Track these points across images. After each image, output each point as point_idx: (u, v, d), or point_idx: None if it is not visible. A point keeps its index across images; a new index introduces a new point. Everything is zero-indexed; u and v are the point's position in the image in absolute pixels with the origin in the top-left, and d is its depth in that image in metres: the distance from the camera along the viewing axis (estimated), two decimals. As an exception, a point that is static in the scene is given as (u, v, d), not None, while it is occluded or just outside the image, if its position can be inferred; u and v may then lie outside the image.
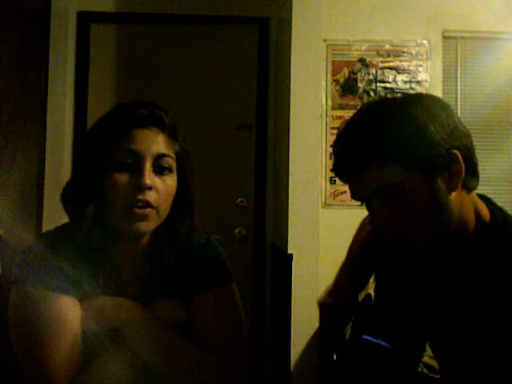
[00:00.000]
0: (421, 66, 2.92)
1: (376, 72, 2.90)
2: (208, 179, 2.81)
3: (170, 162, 1.01)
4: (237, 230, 2.92)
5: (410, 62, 2.92)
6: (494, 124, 2.93)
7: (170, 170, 1.01)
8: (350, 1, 2.92)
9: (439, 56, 2.94)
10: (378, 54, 2.91)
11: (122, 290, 1.02)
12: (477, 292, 0.93)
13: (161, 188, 0.99)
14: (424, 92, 2.86)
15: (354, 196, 0.95)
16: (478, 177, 0.93)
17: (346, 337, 1.13)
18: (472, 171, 0.91)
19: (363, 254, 1.20)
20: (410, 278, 1.04)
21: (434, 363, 1.17)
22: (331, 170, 0.98)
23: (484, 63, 2.95)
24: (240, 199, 2.94)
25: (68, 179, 1.06)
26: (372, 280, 1.19)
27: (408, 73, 2.92)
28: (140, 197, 0.96)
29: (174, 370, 1.00)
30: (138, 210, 0.96)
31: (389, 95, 0.97)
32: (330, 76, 2.89)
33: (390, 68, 2.91)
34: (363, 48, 2.91)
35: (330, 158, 2.68)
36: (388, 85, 2.90)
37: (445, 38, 2.94)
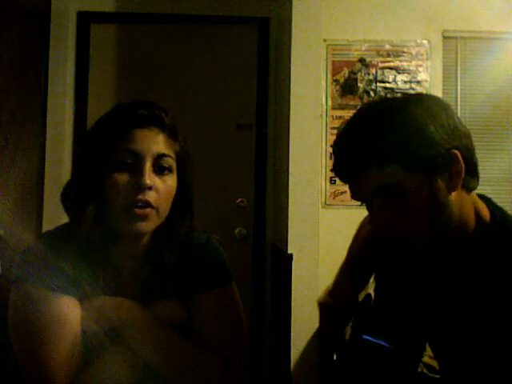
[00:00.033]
0: (421, 65, 2.92)
1: (376, 72, 2.90)
2: (208, 179, 2.81)
3: (170, 161, 1.01)
4: (237, 230, 2.92)
5: (410, 61, 2.92)
6: (494, 124, 2.93)
7: (170, 169, 1.01)
8: (350, 1, 2.92)
9: (439, 56, 2.94)
10: (378, 54, 2.91)
11: (122, 289, 1.02)
12: (477, 292, 0.93)
13: (161, 188, 0.99)
14: (424, 92, 2.86)
15: (353, 196, 0.95)
16: (478, 177, 0.93)
17: (346, 337, 1.13)
18: (472, 171, 0.91)
19: (363, 254, 1.20)
20: (409, 278, 1.04)
21: (434, 363, 1.17)
22: (331, 170, 0.98)
23: (484, 63, 2.95)
24: (240, 199, 2.94)
25: (68, 179, 1.06)
26: (372, 280, 1.19)
27: (408, 73, 2.92)
28: (140, 197, 0.96)
29: (174, 370, 1.00)
30: (138, 210, 0.96)
31: (389, 95, 0.97)
32: (330, 76, 2.89)
33: (390, 68, 2.91)
34: (363, 48, 2.91)
35: (330, 158, 2.68)
36: (388, 85, 2.90)
37: (445, 38, 2.94)
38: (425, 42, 2.93)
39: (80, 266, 0.97)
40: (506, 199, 2.86)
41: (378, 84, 2.90)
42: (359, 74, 2.90)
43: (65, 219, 1.03)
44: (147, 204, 0.96)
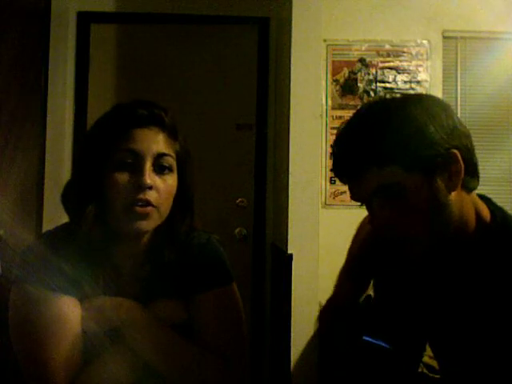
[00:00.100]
0: (421, 65, 2.92)
1: (376, 72, 2.90)
2: (208, 179, 2.81)
3: (171, 161, 1.01)
4: (237, 230, 2.92)
5: (410, 61, 2.92)
6: (494, 124, 2.93)
7: (170, 169, 1.01)
8: (350, 1, 2.92)
9: (439, 56, 2.94)
10: (378, 54, 2.91)
11: (122, 289, 1.02)
12: (477, 292, 0.93)
13: (161, 187, 0.99)
14: (424, 92, 2.86)
15: (353, 197, 0.95)
16: (478, 177, 0.93)
17: (346, 337, 1.13)
18: (472, 171, 0.91)
19: (363, 255, 1.20)
20: (409, 278, 1.04)
21: (434, 363, 1.17)
22: (331, 170, 0.98)
23: (484, 63, 2.95)
24: (240, 199, 2.94)
25: (68, 179, 1.06)
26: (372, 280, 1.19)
27: (408, 73, 2.92)
28: (140, 196, 0.96)
29: (174, 370, 1.00)
30: (138, 209, 0.96)
31: (388, 95, 0.97)
32: (330, 76, 2.89)
33: (390, 68, 2.91)
34: (363, 48, 2.91)
35: (330, 158, 2.69)
36: (388, 85, 2.90)
37: (445, 38, 2.95)
38: (425, 42, 2.93)
39: (80, 266, 0.97)
40: (506, 199, 2.86)
41: (378, 84, 2.90)
42: (359, 74, 2.90)
43: (65, 219, 1.03)
44: (148, 203, 0.97)
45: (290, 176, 2.37)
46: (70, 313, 0.97)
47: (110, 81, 2.95)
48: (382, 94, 2.89)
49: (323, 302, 1.25)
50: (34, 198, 2.65)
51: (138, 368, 0.99)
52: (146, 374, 0.99)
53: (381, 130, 0.88)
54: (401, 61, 2.92)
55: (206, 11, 2.94)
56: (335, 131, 1.00)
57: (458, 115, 0.93)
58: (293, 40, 2.42)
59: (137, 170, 0.97)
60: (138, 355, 0.99)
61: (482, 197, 0.98)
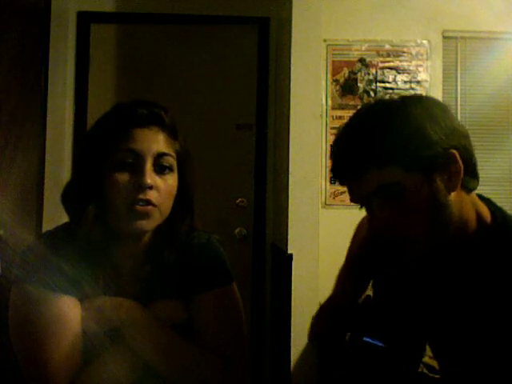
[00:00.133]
0: (421, 65, 2.92)
1: (376, 72, 2.90)
2: (208, 179, 2.81)
3: (171, 160, 1.01)
4: (237, 230, 2.92)
5: (410, 61, 2.92)
6: (494, 124, 2.93)
7: (170, 169, 1.01)
8: (350, 1, 2.92)
9: (439, 56, 2.94)
10: (378, 54, 2.91)
11: (123, 289, 1.02)
12: (477, 292, 0.93)
13: (162, 187, 0.99)
14: (424, 92, 2.86)
15: (352, 198, 0.95)
16: (477, 177, 0.93)
17: (346, 338, 1.13)
18: (471, 171, 0.91)
19: (363, 254, 1.20)
20: (409, 278, 1.04)
21: (434, 363, 1.17)
22: (331, 171, 0.98)
23: (484, 63, 2.95)
24: (240, 199, 2.94)
25: (68, 179, 1.06)
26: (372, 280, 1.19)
27: (408, 73, 2.92)
28: (141, 196, 0.96)
29: (174, 370, 1.00)
30: (139, 207, 0.96)
31: (388, 96, 0.97)
32: (330, 76, 2.89)
33: (390, 68, 2.91)
34: (363, 48, 2.91)
35: (330, 158, 2.69)
36: (388, 85, 2.90)
37: (445, 38, 2.94)
38: (425, 42, 2.93)
39: (80, 266, 0.97)
40: (506, 199, 2.86)
41: (378, 84, 2.90)
42: (359, 74, 2.90)
43: (65, 219, 1.03)
44: (149, 203, 0.96)
45: (289, 176, 2.37)
46: (70, 313, 0.97)
47: (110, 81, 2.95)
48: (381, 94, 2.89)
49: (323, 301, 1.25)
50: (34, 198, 2.65)
51: (138, 368, 0.99)
52: (146, 373, 0.99)
53: (380, 130, 0.89)
54: (401, 61, 2.92)
55: (205, 11, 2.94)
56: (335, 131, 1.00)
57: (458, 115, 0.93)
58: (293, 40, 2.42)
59: (137, 170, 0.97)
60: (138, 355, 0.98)
61: (481, 197, 0.98)
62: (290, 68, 2.41)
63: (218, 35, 2.99)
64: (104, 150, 0.98)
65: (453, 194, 0.89)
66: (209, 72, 2.96)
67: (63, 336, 0.95)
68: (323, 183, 2.81)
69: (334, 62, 2.90)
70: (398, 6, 2.92)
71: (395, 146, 0.87)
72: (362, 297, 1.18)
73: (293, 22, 2.42)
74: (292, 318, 2.31)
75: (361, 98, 2.88)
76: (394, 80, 2.91)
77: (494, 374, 0.92)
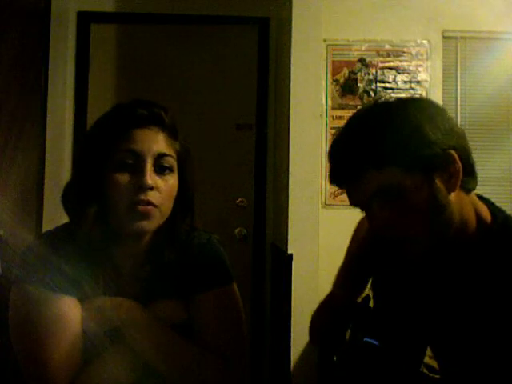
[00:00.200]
0: (421, 65, 2.92)
1: (376, 72, 2.90)
2: (208, 179, 2.81)
3: (171, 161, 1.01)
4: (237, 230, 2.92)
5: (410, 61, 2.92)
6: (494, 124, 2.92)
7: (171, 169, 1.01)
8: (350, 1, 2.92)
9: (439, 56, 2.94)
10: (378, 54, 2.91)
11: (123, 289, 1.02)
12: (477, 293, 0.93)
13: (162, 188, 0.99)
14: (424, 92, 2.87)
15: (352, 201, 0.95)
16: (476, 177, 0.93)
17: (346, 338, 1.13)
18: (470, 172, 0.91)
19: (362, 254, 1.20)
20: (409, 279, 1.04)
21: (434, 363, 1.17)
22: (329, 174, 0.98)
23: (484, 63, 2.95)
24: (240, 199, 2.94)
25: (68, 179, 1.06)
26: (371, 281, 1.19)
27: (408, 73, 2.92)
28: (142, 197, 0.96)
29: (174, 370, 1.00)
30: (141, 208, 0.96)
31: (388, 96, 0.98)
32: (330, 76, 2.89)
33: (390, 68, 2.91)
34: (363, 48, 2.91)
35: (328, 161, 2.69)
36: (388, 85, 2.90)
37: (445, 38, 2.94)
38: (425, 42, 2.93)
39: (80, 266, 0.97)
40: (506, 199, 2.86)
41: (378, 84, 2.90)
42: (359, 74, 2.90)
43: (65, 219, 1.03)
44: (149, 203, 0.96)
45: (290, 176, 2.37)
46: (70, 313, 0.97)
47: (110, 81, 2.95)
48: (381, 94, 2.89)
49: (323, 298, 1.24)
50: (33, 198, 2.65)
51: (138, 368, 0.99)
52: (146, 373, 0.99)
53: (379, 131, 0.89)
54: (401, 61, 2.92)
55: (205, 11, 2.94)
56: (335, 131, 1.00)
57: (458, 115, 0.93)
58: (293, 40, 2.42)
59: (137, 171, 0.97)
60: (138, 355, 0.98)
61: (481, 197, 0.98)
62: (289, 68, 2.41)
63: (218, 35, 2.99)
64: (104, 151, 0.98)
65: (452, 194, 0.89)
66: (209, 72, 2.96)
67: (63, 336, 0.95)
68: (323, 183, 2.81)
69: (333, 62, 2.90)
70: (398, 6, 2.92)
71: (394, 146, 0.87)
72: (362, 297, 1.18)
73: (293, 22, 2.42)
74: (292, 318, 2.31)
75: (361, 98, 2.88)
76: (394, 80, 2.91)
77: (493, 374, 0.92)
